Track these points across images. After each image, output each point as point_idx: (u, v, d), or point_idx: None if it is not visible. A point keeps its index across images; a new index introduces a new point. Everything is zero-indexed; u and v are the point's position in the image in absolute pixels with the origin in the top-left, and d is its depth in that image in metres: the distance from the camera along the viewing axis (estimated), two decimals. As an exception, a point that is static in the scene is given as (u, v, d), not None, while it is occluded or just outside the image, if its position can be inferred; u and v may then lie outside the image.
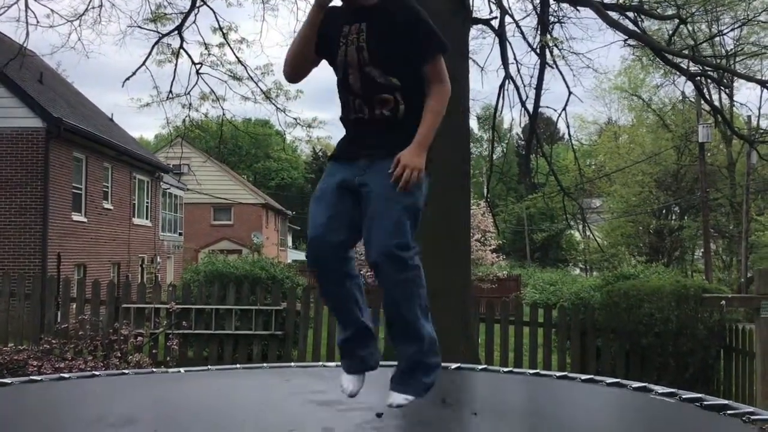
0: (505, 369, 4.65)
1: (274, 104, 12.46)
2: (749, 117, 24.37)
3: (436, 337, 2.82)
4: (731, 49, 20.69)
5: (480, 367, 4.59)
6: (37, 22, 10.65)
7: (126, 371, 4.56)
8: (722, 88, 16.98)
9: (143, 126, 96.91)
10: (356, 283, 2.84)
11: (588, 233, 29.60)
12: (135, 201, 21.55)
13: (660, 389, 3.48)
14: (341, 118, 2.83)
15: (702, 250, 26.09)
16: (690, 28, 12.48)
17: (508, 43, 10.57)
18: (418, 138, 2.62)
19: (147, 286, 10.78)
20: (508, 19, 10.55)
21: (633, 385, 3.55)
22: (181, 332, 9.51)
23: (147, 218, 22.87)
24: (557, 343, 9.97)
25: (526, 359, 9.74)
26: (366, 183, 2.68)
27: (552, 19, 11.01)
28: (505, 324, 9.82)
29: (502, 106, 11.09)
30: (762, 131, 22.74)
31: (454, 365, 4.38)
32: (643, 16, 11.26)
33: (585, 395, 3.56)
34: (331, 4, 2.72)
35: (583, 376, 3.81)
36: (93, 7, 10.78)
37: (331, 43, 2.71)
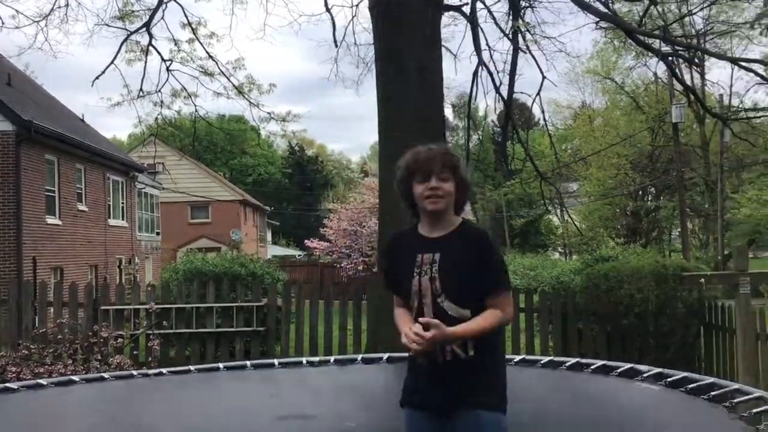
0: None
1: (247, 99, 12.39)
2: (721, 96, 24.65)
3: None
4: (701, 29, 20.85)
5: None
6: (2, 23, 10.46)
7: (105, 375, 4.47)
8: (694, 67, 17.09)
9: (116, 127, 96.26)
10: None
11: (566, 217, 29.75)
12: (110, 202, 21.30)
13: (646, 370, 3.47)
14: (410, 359, 2.67)
15: (679, 229, 26.29)
16: (660, 9, 12.56)
17: (480, 29, 10.56)
18: (461, 326, 2.49)
19: (125, 287, 10.65)
20: (479, 4, 10.53)
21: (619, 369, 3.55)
22: (161, 332, 9.42)
23: (123, 219, 22.63)
24: (539, 328, 10.00)
25: (509, 344, 9.76)
26: None
27: (523, 3, 11.02)
28: (488, 311, 9.81)
29: (477, 93, 11.13)
30: (734, 109, 22.99)
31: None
32: (613, -1, 11.30)
33: (569, 381, 3.55)
34: (399, 233, 2.75)
35: (570, 361, 3.80)
36: (59, 7, 10.65)
37: (403, 271, 2.62)
